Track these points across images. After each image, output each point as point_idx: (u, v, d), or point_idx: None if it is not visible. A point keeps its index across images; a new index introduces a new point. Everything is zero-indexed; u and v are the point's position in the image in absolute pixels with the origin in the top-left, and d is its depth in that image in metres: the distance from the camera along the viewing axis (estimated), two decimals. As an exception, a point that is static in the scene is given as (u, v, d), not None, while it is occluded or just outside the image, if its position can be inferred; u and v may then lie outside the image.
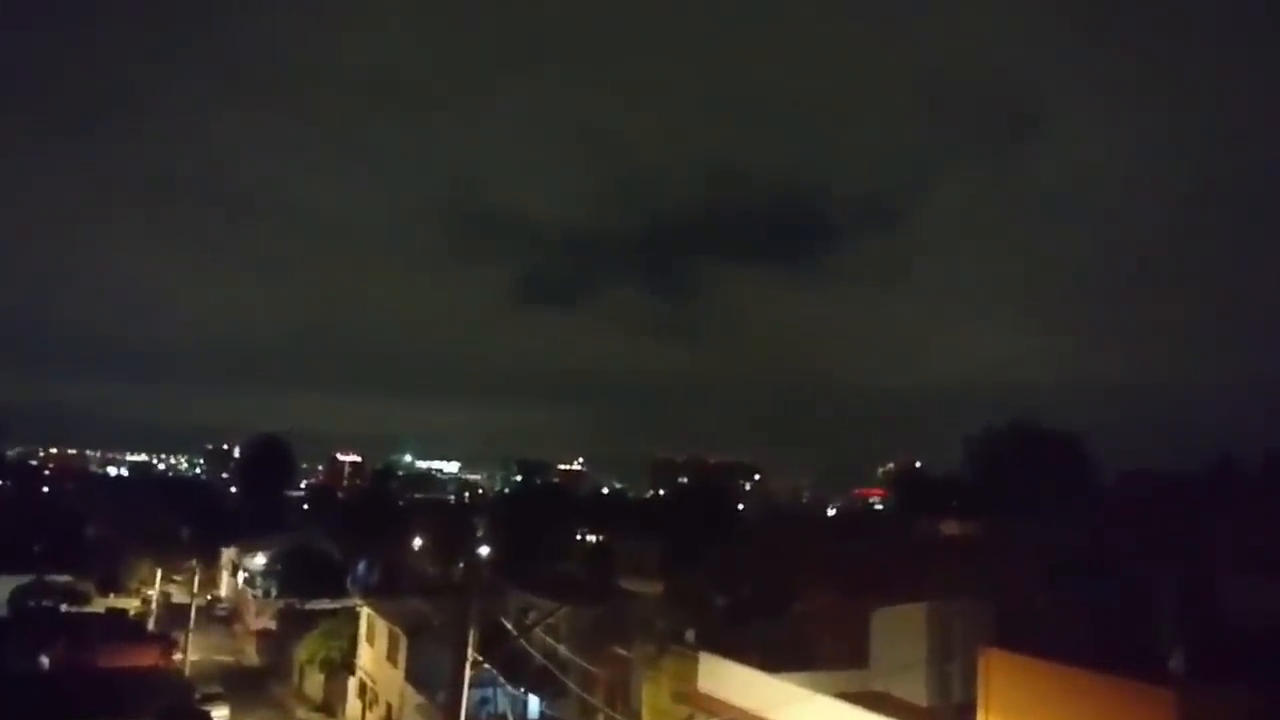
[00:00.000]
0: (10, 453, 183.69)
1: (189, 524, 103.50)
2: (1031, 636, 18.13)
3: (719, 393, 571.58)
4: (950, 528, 38.05)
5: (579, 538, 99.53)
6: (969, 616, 20.84)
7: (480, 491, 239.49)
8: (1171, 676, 15.28)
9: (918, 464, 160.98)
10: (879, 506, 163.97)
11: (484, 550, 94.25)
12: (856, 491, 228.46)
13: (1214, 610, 20.09)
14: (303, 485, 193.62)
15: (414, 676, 40.77)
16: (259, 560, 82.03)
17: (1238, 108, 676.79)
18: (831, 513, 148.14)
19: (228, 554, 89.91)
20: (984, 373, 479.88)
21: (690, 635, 29.88)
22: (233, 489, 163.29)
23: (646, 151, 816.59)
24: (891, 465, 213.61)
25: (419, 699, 39.44)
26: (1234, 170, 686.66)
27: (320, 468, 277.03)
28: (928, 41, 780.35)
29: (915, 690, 21.08)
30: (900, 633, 22.06)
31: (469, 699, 18.62)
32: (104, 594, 74.25)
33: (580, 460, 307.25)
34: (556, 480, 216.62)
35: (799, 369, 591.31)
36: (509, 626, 24.71)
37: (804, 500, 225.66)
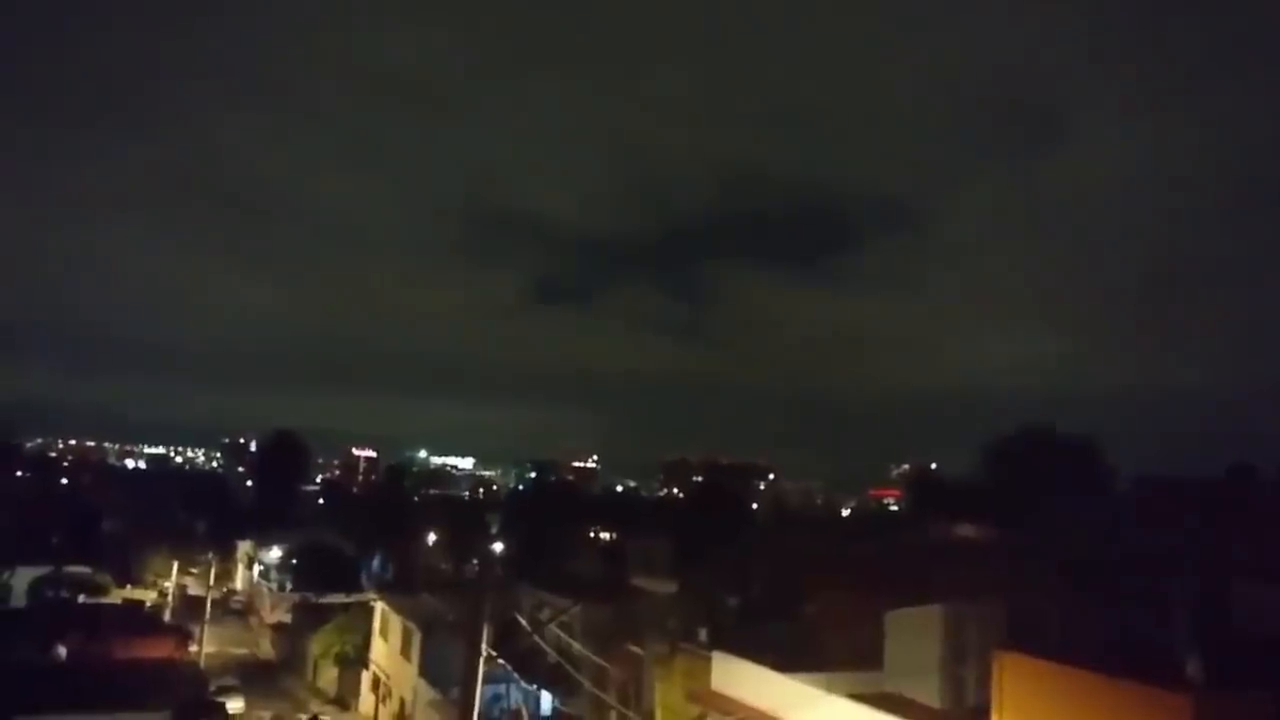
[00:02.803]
0: (29, 445, 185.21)
1: (205, 517, 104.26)
2: (1046, 640, 18.06)
3: (734, 394, 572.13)
4: (965, 530, 37.95)
5: (592, 535, 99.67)
6: (984, 619, 20.75)
7: (494, 488, 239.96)
8: (1189, 682, 15.18)
9: (933, 466, 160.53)
10: (894, 507, 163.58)
11: (497, 547, 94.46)
12: (872, 492, 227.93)
13: (1230, 617, 19.95)
14: (318, 480, 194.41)
15: (427, 672, 40.92)
16: (274, 554, 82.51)
17: (1261, 115, 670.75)
18: (846, 513, 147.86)
19: (243, 548, 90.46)
20: (1001, 376, 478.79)
21: (703, 634, 29.86)
22: (249, 483, 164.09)
23: (664, 153, 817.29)
24: (907, 466, 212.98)
25: (432, 694, 39.59)
26: (1255, 178, 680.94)
27: (335, 463, 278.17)
28: (952, 46, 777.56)
29: (929, 692, 21.01)
30: (914, 634, 21.97)
31: (482, 695, 18.66)
32: (121, 585, 74.67)
33: (594, 459, 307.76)
34: (570, 478, 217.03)
35: (815, 371, 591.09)
36: (523, 623, 24.75)
37: (818, 501, 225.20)
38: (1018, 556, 27.06)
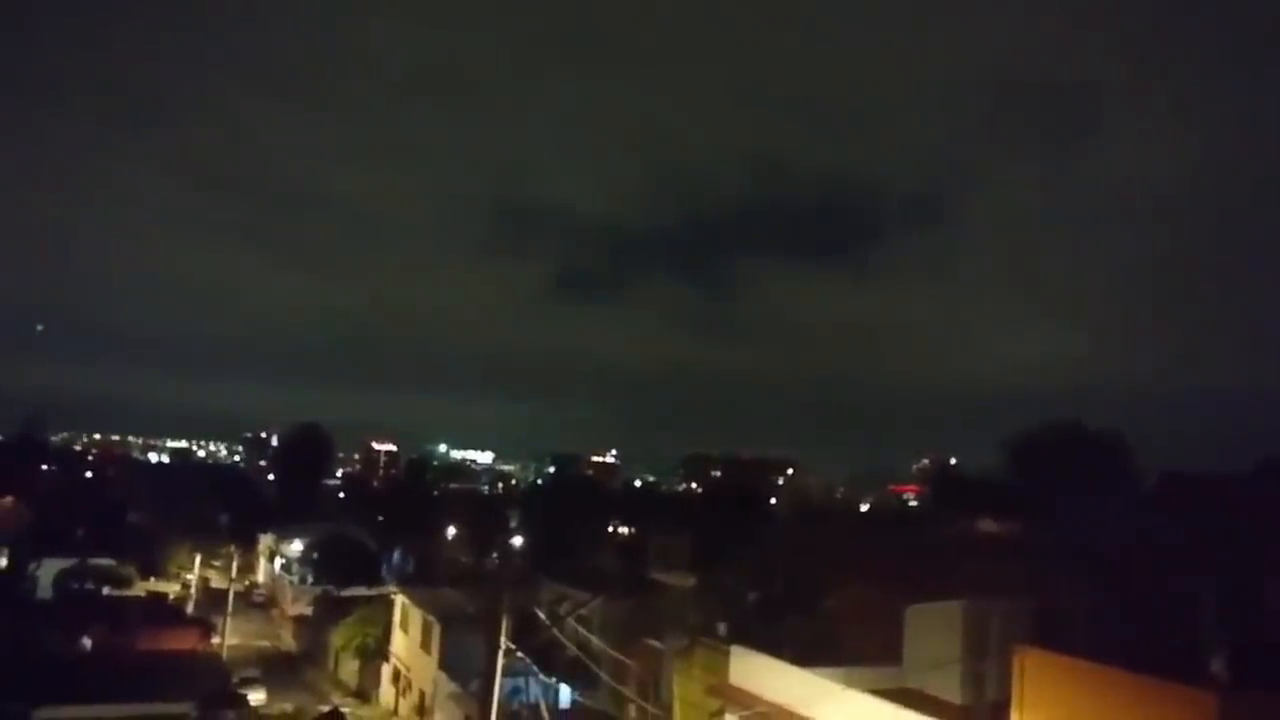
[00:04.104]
0: (55, 439, 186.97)
1: (228, 510, 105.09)
2: (1069, 637, 17.89)
3: (754, 388, 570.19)
4: (987, 525, 37.67)
5: (612, 530, 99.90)
6: (1005, 615, 20.62)
7: (514, 483, 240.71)
8: (1214, 680, 15.00)
9: (953, 461, 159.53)
10: (914, 503, 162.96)
11: (517, 541, 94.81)
12: (891, 488, 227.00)
13: (1258, 615, 19.72)
14: (339, 474, 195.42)
15: (447, 665, 41.10)
16: (296, 547, 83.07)
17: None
18: (865, 508, 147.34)
19: (265, 541, 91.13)
20: (1023, 372, 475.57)
21: (722, 629, 29.80)
22: (271, 477, 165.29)
23: (690, 145, 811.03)
24: (926, 462, 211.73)
25: (452, 687, 39.74)
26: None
27: (356, 457, 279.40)
28: (982, 38, 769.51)
29: (949, 688, 20.90)
30: (935, 630, 21.86)
31: (501, 688, 18.71)
32: (145, 578, 75.43)
33: (614, 453, 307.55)
34: (589, 472, 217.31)
35: (836, 365, 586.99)
36: (542, 617, 24.78)
37: (838, 496, 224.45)
38: (1041, 553, 26.84)
